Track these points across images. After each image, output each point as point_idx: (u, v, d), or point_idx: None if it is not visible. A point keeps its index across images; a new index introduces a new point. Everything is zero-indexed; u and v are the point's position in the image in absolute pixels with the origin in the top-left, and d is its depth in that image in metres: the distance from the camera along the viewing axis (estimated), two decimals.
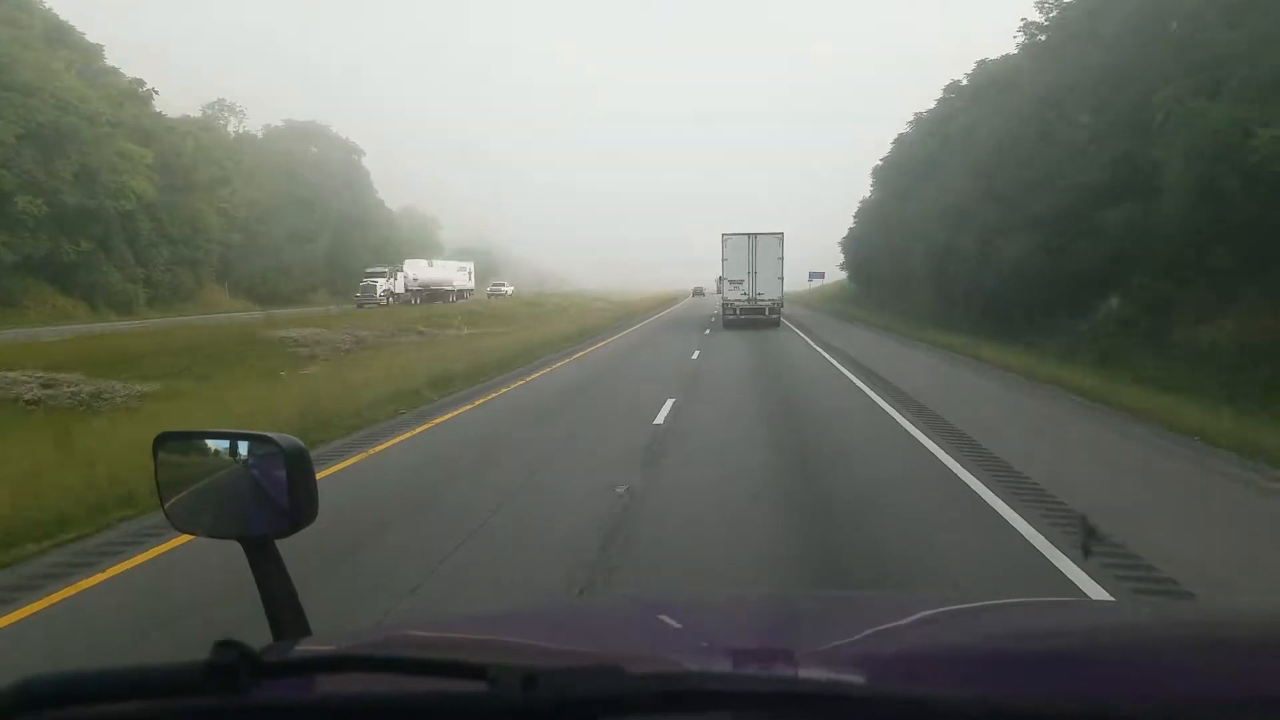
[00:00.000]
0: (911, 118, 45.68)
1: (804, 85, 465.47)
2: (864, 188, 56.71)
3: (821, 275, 65.56)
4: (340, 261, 63.89)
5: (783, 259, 32.03)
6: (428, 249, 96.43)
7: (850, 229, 63.40)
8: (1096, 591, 4.64)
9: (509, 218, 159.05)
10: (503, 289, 67.97)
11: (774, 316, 31.77)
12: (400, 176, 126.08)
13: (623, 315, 42.23)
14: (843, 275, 66.59)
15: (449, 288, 59.17)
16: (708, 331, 29.79)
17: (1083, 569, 4.96)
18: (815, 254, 79.43)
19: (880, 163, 50.84)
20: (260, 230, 56.99)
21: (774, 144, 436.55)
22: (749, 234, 32.19)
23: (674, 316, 45.80)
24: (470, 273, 66.35)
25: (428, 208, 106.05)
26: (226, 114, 62.22)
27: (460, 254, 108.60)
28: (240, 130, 63.57)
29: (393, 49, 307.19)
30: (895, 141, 48.84)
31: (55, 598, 4.82)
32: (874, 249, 47.68)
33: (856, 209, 63.13)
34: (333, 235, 64.99)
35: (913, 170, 41.67)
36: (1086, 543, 5.12)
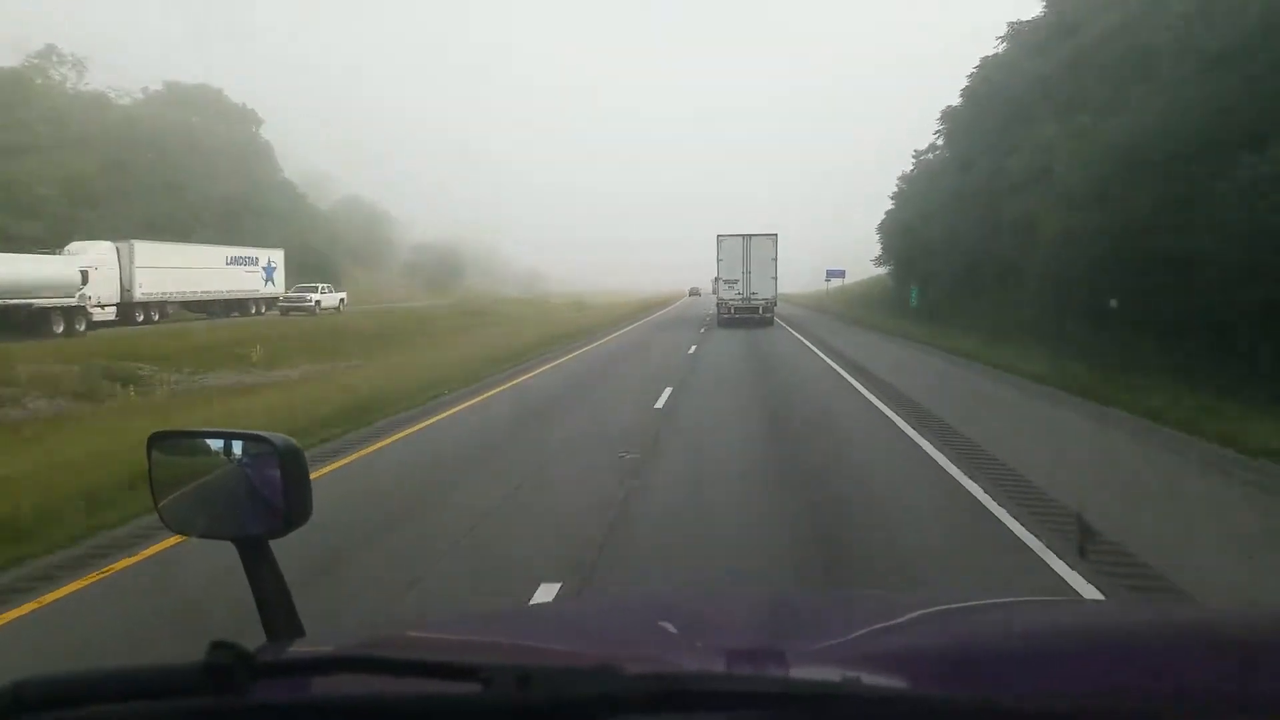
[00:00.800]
0: (1005, 30, 29.83)
1: (804, 85, 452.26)
2: (883, 176, 42.11)
3: (842, 274, 53.71)
4: None
5: (776, 259, 32.62)
6: (374, 244, 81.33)
7: (889, 211, 48.05)
8: None
9: (508, 217, 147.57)
10: (309, 300, 42.43)
11: (768, 315, 32.45)
12: (398, 176, 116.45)
13: (572, 333, 27.37)
14: (878, 272, 51.13)
15: (48, 301, 27.34)
16: (663, 398, 14.26)
17: None
18: (827, 252, 66.00)
19: (960, 99, 34.52)
20: (91, 218, 41.76)
21: (774, 144, 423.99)
22: (743, 235, 32.76)
23: (648, 329, 31.27)
24: (265, 270, 43.98)
25: (381, 199, 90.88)
26: (61, 67, 46.79)
27: (418, 250, 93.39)
28: (82, 87, 48.14)
29: (393, 49, 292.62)
30: (974, 73, 32.93)
31: None
32: (941, 234, 31.83)
33: (895, 189, 48.20)
34: (216, 227, 49.60)
35: (1023, 104, 26.11)
36: (1083, 544, 5.01)
